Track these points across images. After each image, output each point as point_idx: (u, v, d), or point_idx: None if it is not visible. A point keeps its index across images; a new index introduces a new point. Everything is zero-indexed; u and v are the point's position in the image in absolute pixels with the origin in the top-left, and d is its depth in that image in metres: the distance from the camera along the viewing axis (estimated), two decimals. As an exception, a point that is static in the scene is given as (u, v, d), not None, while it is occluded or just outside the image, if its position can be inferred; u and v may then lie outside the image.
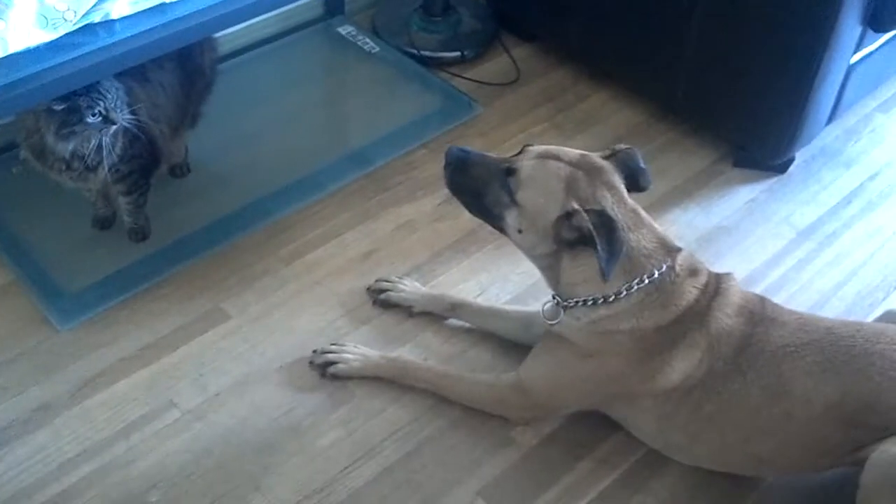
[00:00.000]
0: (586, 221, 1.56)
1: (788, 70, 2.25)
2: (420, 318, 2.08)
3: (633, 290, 1.64)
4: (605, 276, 1.56)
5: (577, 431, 1.88)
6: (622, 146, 1.71)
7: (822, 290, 2.21)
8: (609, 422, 1.84)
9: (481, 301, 2.10)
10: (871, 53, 2.39)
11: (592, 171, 1.63)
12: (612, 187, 1.63)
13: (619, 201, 1.63)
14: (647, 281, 1.64)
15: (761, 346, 1.65)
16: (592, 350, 1.71)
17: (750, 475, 1.81)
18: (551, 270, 1.71)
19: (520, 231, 1.68)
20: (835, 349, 1.63)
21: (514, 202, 1.66)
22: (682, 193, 2.44)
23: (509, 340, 2.02)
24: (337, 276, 2.17)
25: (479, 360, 2.01)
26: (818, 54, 2.18)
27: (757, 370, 1.64)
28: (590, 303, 1.67)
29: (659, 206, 2.37)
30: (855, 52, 2.31)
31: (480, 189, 1.70)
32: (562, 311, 1.73)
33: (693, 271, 1.68)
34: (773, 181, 2.50)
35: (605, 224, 1.57)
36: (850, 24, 2.17)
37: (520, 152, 1.71)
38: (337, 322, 2.07)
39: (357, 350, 1.96)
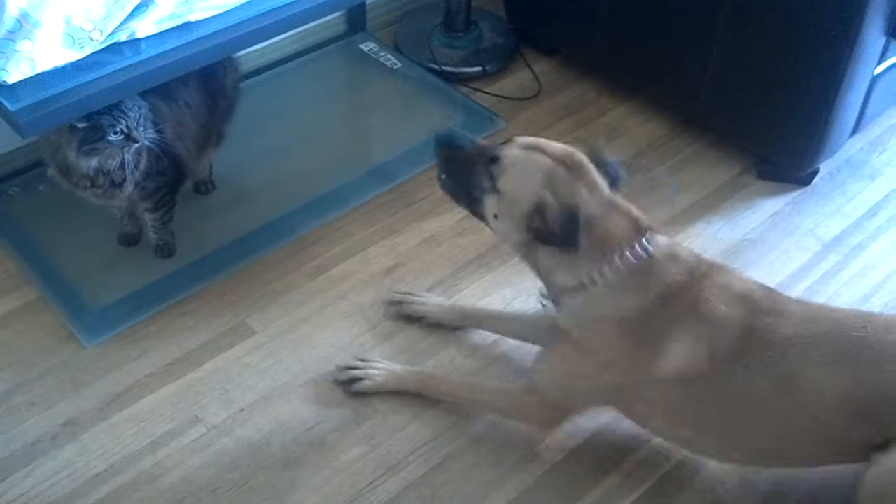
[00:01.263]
0: (556, 220, 1.59)
1: (812, 82, 2.24)
2: (444, 332, 2.09)
3: (605, 274, 1.64)
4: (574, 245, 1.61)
5: (603, 446, 1.87)
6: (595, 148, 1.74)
7: (848, 302, 2.19)
8: (635, 436, 1.84)
9: (498, 308, 2.11)
10: (895, 65, 2.37)
11: (574, 167, 1.65)
12: (590, 183, 1.65)
13: (595, 195, 1.65)
14: (618, 262, 1.64)
15: (767, 336, 1.63)
16: (587, 342, 1.72)
17: (761, 468, 1.80)
18: (530, 259, 1.73)
19: (496, 216, 1.70)
20: (846, 340, 1.60)
21: (494, 189, 1.68)
22: (706, 206, 2.43)
23: (531, 343, 2.02)
24: (361, 291, 2.18)
25: (502, 373, 2.01)
26: (842, 66, 2.17)
27: (763, 361, 1.62)
28: (570, 291, 1.68)
29: (683, 219, 2.37)
30: (879, 64, 2.30)
31: (465, 171, 1.73)
32: (552, 304, 1.76)
33: (673, 256, 1.67)
34: (797, 193, 2.48)
35: (568, 221, 1.60)
36: (873, 36, 2.16)
37: (507, 141, 1.73)
38: (361, 337, 2.07)
39: (381, 365, 1.96)
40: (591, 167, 1.67)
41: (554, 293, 1.74)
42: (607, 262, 1.64)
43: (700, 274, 1.67)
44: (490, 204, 1.70)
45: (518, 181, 1.66)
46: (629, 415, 1.81)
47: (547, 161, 1.65)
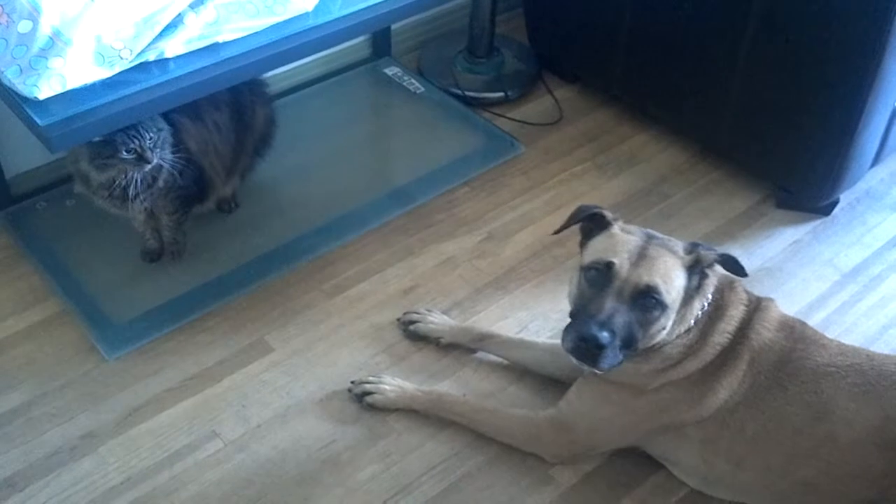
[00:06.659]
0: (711, 255, 1.65)
1: (833, 112, 2.25)
2: (459, 354, 2.09)
3: (699, 317, 1.70)
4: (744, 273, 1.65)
5: (618, 470, 1.87)
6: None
7: (866, 333, 2.18)
8: (650, 461, 1.83)
9: (510, 333, 2.11)
10: (916, 96, 2.38)
11: (654, 237, 1.70)
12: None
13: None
14: (705, 305, 1.71)
15: (802, 362, 1.68)
16: (651, 385, 1.72)
17: None
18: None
19: (672, 322, 1.68)
20: (876, 374, 1.65)
21: (665, 310, 1.63)
22: (725, 234, 2.44)
23: (538, 372, 2.03)
24: (378, 311, 2.19)
25: (518, 397, 2.01)
26: (863, 97, 2.17)
27: (798, 385, 1.67)
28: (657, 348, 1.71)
29: (701, 247, 2.37)
30: (900, 95, 2.30)
31: (629, 332, 1.63)
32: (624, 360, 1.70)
33: (730, 284, 1.75)
34: (817, 223, 2.48)
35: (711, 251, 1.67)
36: (894, 67, 2.16)
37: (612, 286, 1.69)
38: (377, 357, 2.08)
39: (394, 382, 1.97)
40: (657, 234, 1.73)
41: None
42: (702, 306, 1.71)
43: (752, 306, 1.74)
44: (666, 320, 1.65)
45: (663, 276, 1.62)
46: (656, 453, 1.82)
47: (644, 244, 1.66)
